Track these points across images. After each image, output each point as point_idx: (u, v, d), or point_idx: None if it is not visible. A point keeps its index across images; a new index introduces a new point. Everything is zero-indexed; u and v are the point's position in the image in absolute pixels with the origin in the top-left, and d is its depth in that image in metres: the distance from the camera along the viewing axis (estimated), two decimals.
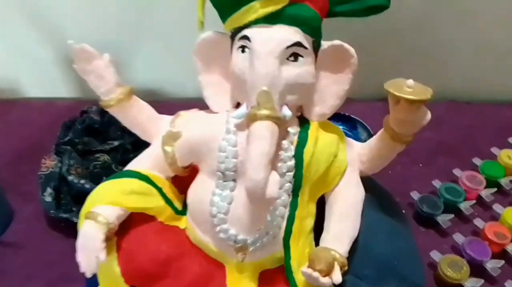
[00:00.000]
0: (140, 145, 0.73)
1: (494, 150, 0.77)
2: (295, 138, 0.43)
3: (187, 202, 0.47)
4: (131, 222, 0.45)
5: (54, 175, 0.68)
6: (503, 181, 0.71)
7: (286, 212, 0.43)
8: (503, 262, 0.61)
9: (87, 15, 0.82)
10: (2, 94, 0.91)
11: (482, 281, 0.58)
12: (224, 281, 0.46)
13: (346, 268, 0.42)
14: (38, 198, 0.68)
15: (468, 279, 0.58)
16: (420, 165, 0.78)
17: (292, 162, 0.42)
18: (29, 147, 0.80)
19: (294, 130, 0.43)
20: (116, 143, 0.72)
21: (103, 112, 0.76)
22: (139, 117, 0.48)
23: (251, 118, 0.39)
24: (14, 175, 0.73)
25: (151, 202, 0.46)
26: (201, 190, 0.45)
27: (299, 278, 0.43)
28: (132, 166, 0.47)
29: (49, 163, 0.70)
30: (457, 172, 0.73)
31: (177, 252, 0.46)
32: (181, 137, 0.45)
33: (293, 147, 0.43)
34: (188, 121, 0.46)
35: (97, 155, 0.71)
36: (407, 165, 0.77)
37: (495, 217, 0.67)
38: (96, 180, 0.69)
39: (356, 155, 0.46)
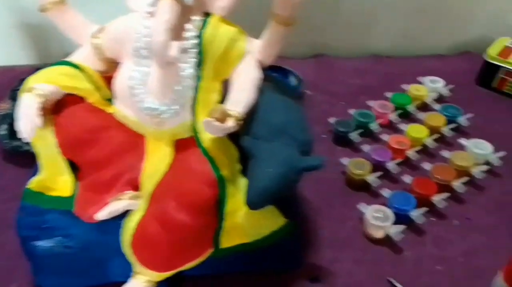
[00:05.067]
0: None
1: (405, 86, 0.88)
2: (198, 24, 0.52)
3: (112, 88, 0.55)
4: (65, 104, 0.54)
5: (8, 116, 0.75)
6: (410, 108, 0.83)
7: (193, 83, 0.52)
8: (400, 162, 0.71)
9: None
10: None
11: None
12: (143, 147, 0.55)
13: (241, 122, 0.50)
14: None
15: (370, 175, 0.68)
16: (343, 103, 0.88)
17: (194, 41, 0.52)
18: None
19: (198, 18, 0.52)
20: None
21: None
22: (74, 21, 0.57)
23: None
24: None
25: (80, 83, 0.54)
26: (123, 71, 0.54)
27: (203, 137, 0.52)
28: (66, 59, 0.56)
29: (4, 106, 0.77)
30: (371, 103, 0.83)
31: (104, 125, 0.54)
32: (106, 29, 0.54)
33: (196, 30, 0.52)
34: (112, 22, 0.55)
35: None
36: (332, 103, 0.88)
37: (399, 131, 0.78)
38: None
39: (255, 48, 0.56)
